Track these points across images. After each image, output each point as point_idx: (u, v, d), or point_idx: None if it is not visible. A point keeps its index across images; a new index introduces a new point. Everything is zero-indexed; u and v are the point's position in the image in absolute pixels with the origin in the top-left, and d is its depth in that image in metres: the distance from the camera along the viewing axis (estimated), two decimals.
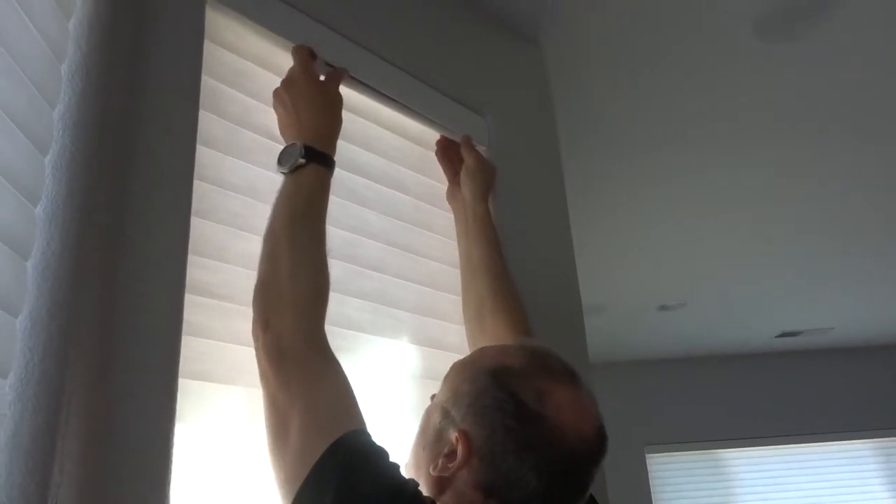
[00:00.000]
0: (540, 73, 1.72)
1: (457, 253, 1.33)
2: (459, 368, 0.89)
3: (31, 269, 0.69)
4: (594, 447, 0.80)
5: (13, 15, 0.67)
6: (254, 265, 0.99)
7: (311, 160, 0.96)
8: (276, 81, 1.10)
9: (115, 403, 0.74)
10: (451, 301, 1.31)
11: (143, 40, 0.90)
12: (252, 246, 1.00)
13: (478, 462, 0.77)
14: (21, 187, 0.67)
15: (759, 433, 5.14)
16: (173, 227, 0.87)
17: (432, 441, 0.84)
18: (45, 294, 0.69)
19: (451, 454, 0.79)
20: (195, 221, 0.92)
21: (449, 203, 1.38)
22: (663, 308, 4.16)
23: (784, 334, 4.88)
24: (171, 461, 0.77)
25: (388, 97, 1.27)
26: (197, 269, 0.91)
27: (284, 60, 1.11)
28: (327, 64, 1.13)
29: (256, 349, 0.84)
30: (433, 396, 0.92)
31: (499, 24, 1.63)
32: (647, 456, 5.06)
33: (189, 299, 0.87)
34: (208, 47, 1.01)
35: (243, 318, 0.95)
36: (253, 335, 0.86)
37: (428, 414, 0.89)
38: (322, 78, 1.09)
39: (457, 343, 1.29)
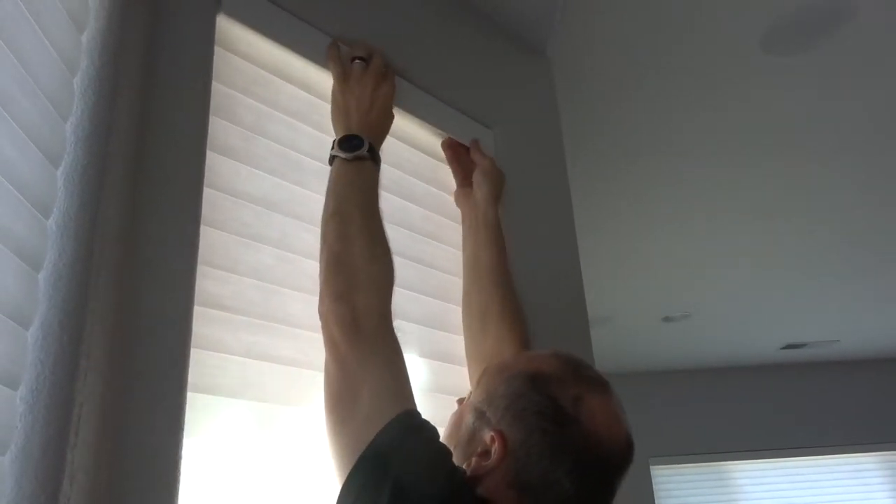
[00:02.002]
0: (547, 86, 1.72)
1: None
2: (494, 371, 0.92)
3: (43, 281, 0.69)
4: (625, 454, 0.83)
5: (28, 29, 0.68)
6: (264, 277, 1.00)
7: (373, 158, 1.04)
8: (290, 89, 1.12)
9: (124, 415, 0.74)
10: (461, 313, 1.30)
11: (155, 52, 0.91)
12: (263, 257, 1.01)
13: (512, 462, 0.80)
14: (34, 200, 0.67)
15: (764, 445, 5.12)
16: (183, 238, 0.87)
17: (465, 440, 0.87)
18: (56, 306, 0.69)
19: (485, 453, 0.82)
20: (206, 231, 0.93)
21: (458, 205, 1.37)
22: (668, 319, 4.15)
23: (789, 346, 4.87)
24: (179, 474, 0.77)
25: (398, 107, 1.27)
26: (207, 280, 0.92)
27: (298, 69, 1.12)
28: (359, 57, 1.16)
29: (326, 318, 0.89)
30: (460, 400, 0.98)
31: (506, 37, 1.64)
32: (652, 468, 5.04)
33: (199, 311, 0.87)
34: (222, 55, 1.02)
35: (253, 331, 0.95)
36: (323, 304, 0.90)
37: (460, 414, 0.93)
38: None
39: (465, 355, 1.27)
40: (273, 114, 1.10)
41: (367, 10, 1.28)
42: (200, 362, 0.87)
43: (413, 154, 1.34)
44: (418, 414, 0.82)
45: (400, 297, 1.19)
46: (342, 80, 1.12)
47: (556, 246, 1.55)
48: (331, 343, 0.87)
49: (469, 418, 0.88)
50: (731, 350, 4.94)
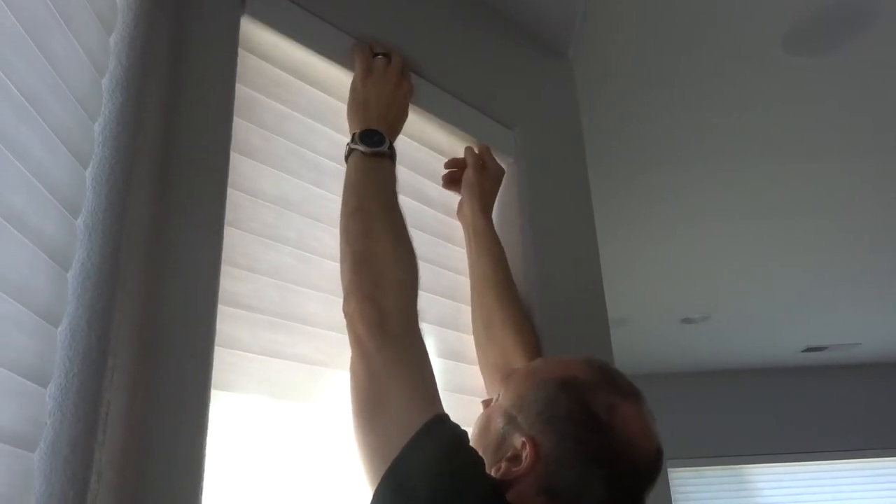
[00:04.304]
0: (568, 87, 1.72)
1: None
2: (525, 376, 0.91)
3: (72, 280, 0.70)
4: (655, 464, 0.83)
5: (58, 32, 0.69)
6: (283, 276, 1.01)
7: (391, 156, 1.03)
8: (310, 91, 1.12)
9: (150, 413, 0.75)
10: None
11: (180, 54, 0.92)
12: (282, 257, 1.02)
13: (543, 468, 0.79)
14: (63, 200, 0.68)
15: (783, 449, 5.07)
16: (208, 237, 0.88)
17: (494, 444, 0.86)
18: (84, 304, 0.70)
19: (515, 458, 0.82)
20: (227, 231, 0.93)
21: (458, 217, 1.35)
22: (686, 321, 4.12)
23: (810, 349, 4.81)
24: (203, 471, 0.77)
25: (416, 108, 1.27)
26: (227, 279, 0.92)
27: (319, 71, 1.13)
28: (381, 53, 1.17)
29: (353, 318, 0.87)
30: (486, 402, 0.97)
31: (528, 38, 1.64)
32: (670, 470, 5.01)
33: (219, 310, 0.88)
34: (245, 57, 1.03)
35: (272, 329, 0.96)
36: (349, 304, 0.89)
37: (488, 418, 0.91)
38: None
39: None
40: (293, 115, 1.11)
41: (388, 10, 1.29)
42: (220, 360, 0.88)
43: (426, 154, 1.34)
44: (447, 418, 0.81)
45: None
46: (364, 73, 1.11)
47: (577, 247, 1.54)
48: (357, 343, 0.86)
49: (499, 422, 0.87)
50: (750, 352, 4.90)
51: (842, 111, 2.12)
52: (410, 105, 1.18)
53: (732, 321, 4.21)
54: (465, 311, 1.30)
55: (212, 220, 0.89)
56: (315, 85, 1.16)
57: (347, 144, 1.03)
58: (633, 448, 0.80)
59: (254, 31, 1.05)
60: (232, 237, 0.95)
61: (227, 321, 0.91)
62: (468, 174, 1.31)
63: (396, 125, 1.11)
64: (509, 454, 0.82)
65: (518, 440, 0.82)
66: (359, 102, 1.08)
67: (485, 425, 0.91)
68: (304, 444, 0.97)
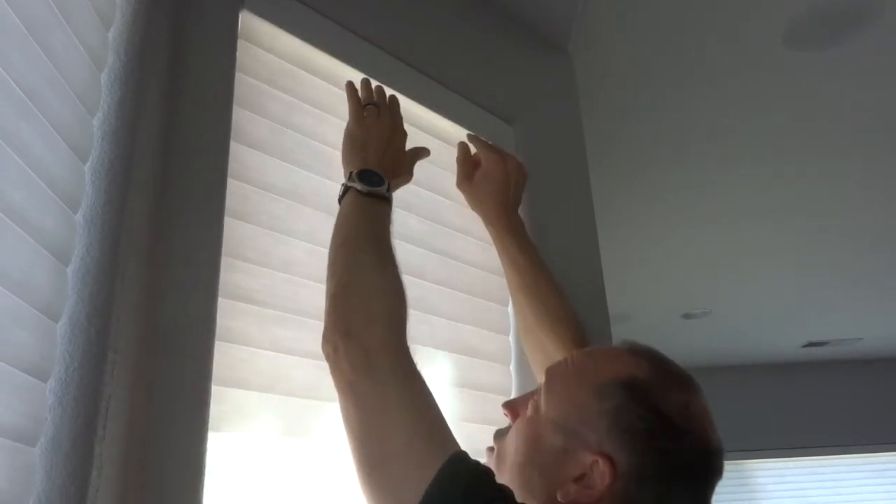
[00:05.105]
0: (569, 83, 1.71)
1: (495, 260, 1.26)
2: (573, 380, 0.81)
3: (72, 275, 0.70)
4: (722, 459, 0.77)
5: (57, 27, 0.68)
6: (294, 270, 1.00)
7: (389, 200, 0.96)
8: (316, 82, 1.12)
9: (151, 408, 0.75)
10: (490, 309, 1.30)
11: (179, 47, 0.92)
12: (293, 251, 1.01)
13: (622, 487, 0.71)
14: (63, 194, 0.68)
15: (785, 444, 5.07)
16: (208, 231, 0.87)
17: (552, 463, 0.76)
18: (84, 299, 0.70)
19: (582, 478, 0.73)
20: (237, 224, 0.93)
21: (475, 210, 1.28)
22: (687, 316, 4.12)
23: (811, 344, 4.81)
24: (204, 467, 0.77)
25: (419, 103, 1.27)
26: (238, 273, 0.92)
27: (322, 62, 1.13)
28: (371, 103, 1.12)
29: (335, 358, 0.79)
30: (508, 404, 0.88)
31: (528, 33, 1.63)
32: None
33: (229, 304, 0.88)
34: (248, 48, 1.02)
35: (283, 325, 0.96)
36: (328, 343, 0.80)
37: (535, 432, 0.80)
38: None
39: (494, 351, 1.28)
40: (300, 106, 1.10)
41: (387, 5, 1.28)
42: (229, 356, 0.88)
43: (443, 147, 1.32)
44: (467, 455, 0.71)
45: (429, 292, 1.20)
46: (357, 117, 1.07)
47: (577, 242, 1.54)
48: (344, 384, 0.78)
49: (554, 438, 0.77)
50: (751, 347, 4.89)
51: (842, 110, 2.11)
52: (411, 102, 1.17)
53: (733, 316, 4.21)
54: (482, 306, 1.29)
55: (212, 213, 0.89)
56: (320, 76, 1.15)
57: (342, 184, 0.97)
58: (710, 448, 0.75)
59: (255, 24, 1.05)
60: (241, 230, 0.94)
61: (237, 316, 0.90)
62: (490, 161, 1.25)
63: (395, 171, 1.04)
64: (576, 473, 0.74)
65: (586, 458, 0.73)
66: (356, 143, 1.03)
67: (531, 441, 0.80)
68: (315, 441, 0.96)
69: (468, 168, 1.26)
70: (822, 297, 3.89)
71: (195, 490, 0.76)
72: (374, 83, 1.14)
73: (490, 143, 1.33)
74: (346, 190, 0.95)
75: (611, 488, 0.71)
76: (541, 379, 1.13)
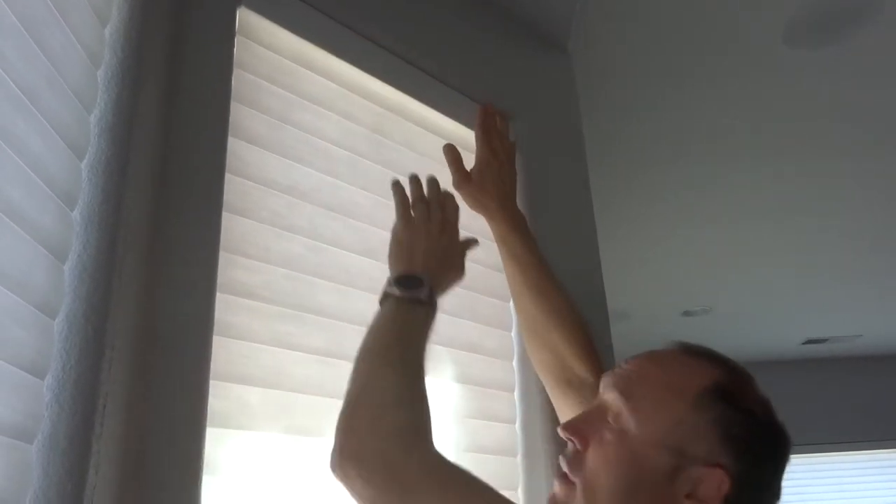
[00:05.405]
0: (569, 83, 1.71)
1: (495, 254, 1.25)
2: (660, 394, 0.78)
3: (68, 272, 0.70)
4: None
5: (53, 24, 0.68)
6: (295, 266, 1.00)
7: (431, 303, 0.91)
8: (315, 78, 1.12)
9: (148, 405, 0.75)
10: (490, 304, 1.30)
11: (176, 44, 0.92)
12: (294, 246, 1.01)
13: (736, 492, 0.72)
14: (59, 191, 0.68)
15: None
16: (206, 227, 0.87)
17: (662, 483, 0.73)
18: (81, 297, 0.70)
19: (693, 493, 0.72)
20: (237, 220, 0.93)
21: (476, 210, 1.25)
22: (687, 314, 4.12)
23: (810, 341, 4.81)
24: (202, 462, 0.77)
25: (419, 100, 1.27)
26: (239, 269, 0.92)
27: (320, 59, 1.13)
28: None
29: (350, 478, 0.73)
30: (569, 427, 0.82)
31: (529, 33, 1.63)
32: None
33: (230, 300, 0.88)
34: (246, 45, 1.02)
35: (283, 321, 0.96)
36: (342, 468, 0.74)
37: (630, 455, 0.75)
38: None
39: (496, 347, 1.28)
40: (299, 102, 1.10)
41: (387, 3, 1.28)
42: (230, 351, 0.87)
43: (442, 144, 1.30)
44: None
45: None
46: (405, 218, 1.02)
47: (577, 240, 1.54)
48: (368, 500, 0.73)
49: (658, 457, 0.74)
50: (751, 345, 4.89)
51: (842, 110, 2.11)
52: (410, 100, 1.15)
53: (733, 314, 4.20)
54: (483, 301, 1.29)
55: (210, 209, 0.88)
56: (318, 72, 1.15)
57: (383, 289, 0.93)
58: (785, 435, 0.78)
59: (252, 20, 1.04)
60: (242, 227, 0.94)
61: (238, 312, 0.90)
62: (485, 152, 1.24)
63: (443, 272, 0.98)
64: (687, 490, 0.72)
65: (698, 472, 0.72)
66: (403, 245, 0.99)
67: (631, 465, 0.75)
68: (316, 438, 0.95)
69: (463, 168, 1.24)
70: (822, 296, 3.89)
71: (193, 487, 0.76)
72: (425, 179, 1.08)
73: (477, 132, 1.30)
74: (385, 296, 0.91)
75: (726, 499, 0.72)
76: (543, 377, 1.14)
